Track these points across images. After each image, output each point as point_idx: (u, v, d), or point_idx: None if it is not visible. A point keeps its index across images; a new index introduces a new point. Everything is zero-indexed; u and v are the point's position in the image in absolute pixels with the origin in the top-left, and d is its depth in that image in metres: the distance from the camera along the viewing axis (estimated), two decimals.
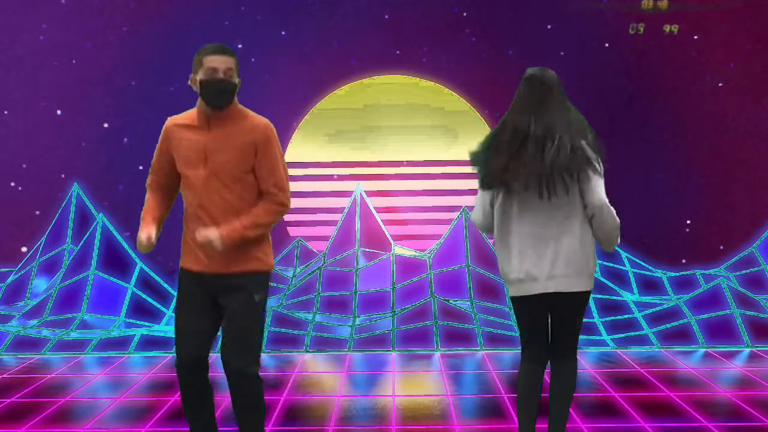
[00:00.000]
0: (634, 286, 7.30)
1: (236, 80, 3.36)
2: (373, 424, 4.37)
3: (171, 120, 3.48)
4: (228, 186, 3.35)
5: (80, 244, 6.98)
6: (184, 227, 3.49)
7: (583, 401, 4.69)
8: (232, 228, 3.32)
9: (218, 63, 3.30)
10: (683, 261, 7.63)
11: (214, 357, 3.43)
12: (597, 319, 6.45)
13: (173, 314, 5.93)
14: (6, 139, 7.65)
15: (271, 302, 6.90)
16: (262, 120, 3.42)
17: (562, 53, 7.58)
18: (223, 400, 4.10)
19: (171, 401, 4.76)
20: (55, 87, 7.59)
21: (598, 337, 6.21)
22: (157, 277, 7.05)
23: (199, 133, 3.38)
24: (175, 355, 3.51)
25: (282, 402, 4.76)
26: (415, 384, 5.30)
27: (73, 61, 7.59)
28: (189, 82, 3.38)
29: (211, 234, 3.26)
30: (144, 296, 6.82)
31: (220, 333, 3.51)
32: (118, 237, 7.00)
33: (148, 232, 3.37)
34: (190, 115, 3.45)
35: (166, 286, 7.03)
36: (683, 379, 5.22)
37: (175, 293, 6.19)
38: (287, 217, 7.71)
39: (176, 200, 3.61)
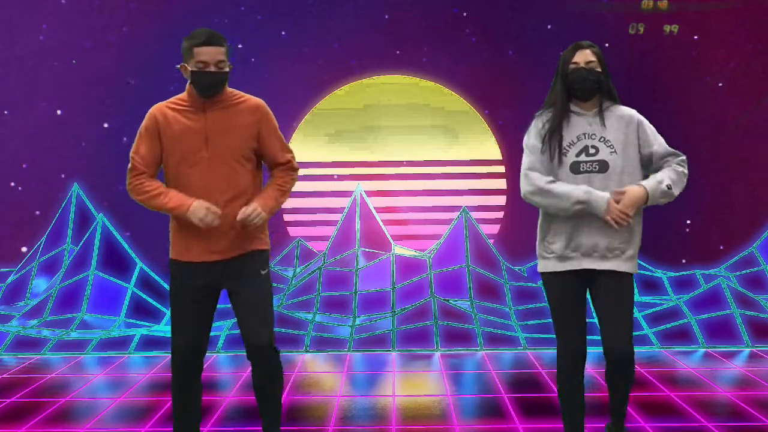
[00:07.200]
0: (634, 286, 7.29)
1: (227, 69, 3.35)
2: (373, 424, 4.37)
3: (160, 105, 3.46)
4: (233, 167, 3.37)
5: (80, 244, 6.98)
6: (174, 219, 3.45)
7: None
8: (267, 197, 3.37)
9: (208, 56, 3.29)
10: (683, 261, 7.63)
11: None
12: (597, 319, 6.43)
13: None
14: (6, 139, 7.64)
15: None
16: (257, 99, 3.49)
17: (562, 53, 7.56)
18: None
19: (171, 401, 4.75)
20: (55, 87, 7.58)
21: (598, 337, 6.19)
22: (157, 277, 7.05)
23: (194, 117, 3.39)
24: (172, 355, 3.48)
25: (282, 402, 4.74)
26: (415, 384, 5.29)
27: (73, 61, 7.58)
28: (179, 67, 3.38)
29: (251, 209, 3.26)
30: (144, 296, 6.82)
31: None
32: (118, 237, 7.00)
33: (202, 204, 3.26)
34: (179, 100, 3.44)
35: (166, 286, 7.01)
36: (683, 379, 5.22)
37: None
38: (287, 218, 7.72)
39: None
